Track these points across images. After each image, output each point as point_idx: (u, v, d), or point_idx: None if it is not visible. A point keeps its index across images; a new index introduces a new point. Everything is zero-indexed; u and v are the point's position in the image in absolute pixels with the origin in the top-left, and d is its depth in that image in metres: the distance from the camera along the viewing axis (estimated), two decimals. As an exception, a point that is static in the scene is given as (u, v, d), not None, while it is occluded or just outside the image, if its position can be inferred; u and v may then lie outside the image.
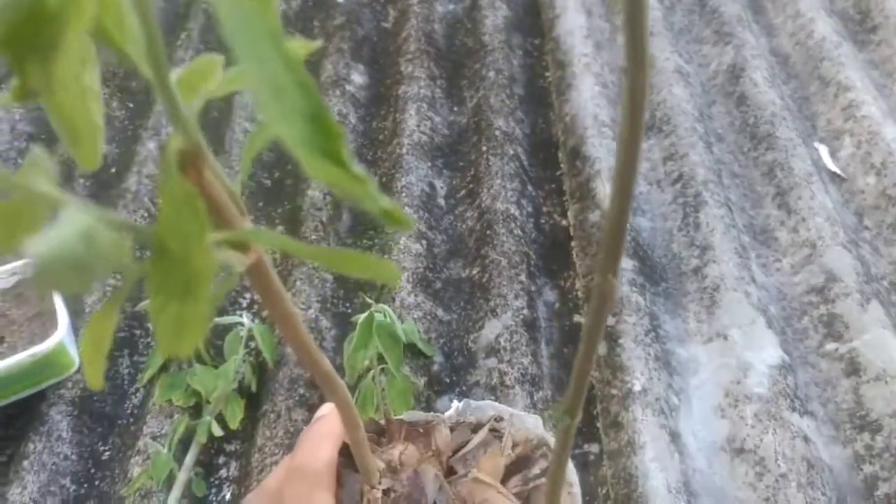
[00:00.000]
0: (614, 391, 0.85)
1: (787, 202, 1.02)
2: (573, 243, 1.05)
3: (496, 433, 0.49)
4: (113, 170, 1.20)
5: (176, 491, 0.81)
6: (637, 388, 0.83)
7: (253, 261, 0.25)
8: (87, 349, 0.23)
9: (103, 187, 1.17)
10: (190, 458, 0.84)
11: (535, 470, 0.46)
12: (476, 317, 0.97)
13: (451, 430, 0.49)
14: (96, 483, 0.86)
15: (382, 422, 0.49)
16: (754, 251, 1.01)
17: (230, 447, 0.88)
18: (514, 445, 0.47)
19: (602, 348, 0.90)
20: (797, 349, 0.90)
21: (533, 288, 0.99)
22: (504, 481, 0.46)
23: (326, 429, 0.43)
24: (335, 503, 0.40)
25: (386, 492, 0.44)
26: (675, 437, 0.81)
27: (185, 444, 0.86)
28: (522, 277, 0.99)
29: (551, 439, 0.47)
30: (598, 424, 0.86)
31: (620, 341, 0.88)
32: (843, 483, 0.78)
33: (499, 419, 0.49)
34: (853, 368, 0.85)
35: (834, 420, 0.84)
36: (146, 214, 1.10)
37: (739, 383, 0.84)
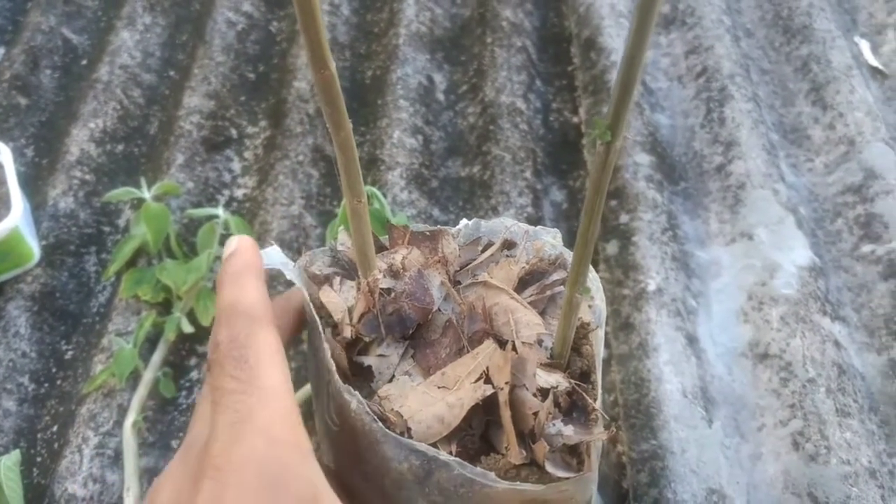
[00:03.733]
0: (626, 291, 0.77)
1: (823, 97, 0.92)
2: (584, 141, 0.95)
3: (509, 254, 0.43)
4: (84, 61, 1.10)
5: (142, 390, 0.74)
6: (651, 287, 0.75)
7: None
8: None
9: (73, 79, 1.07)
10: (157, 357, 0.77)
11: (554, 278, 0.40)
12: (475, 216, 0.88)
13: (459, 247, 0.43)
14: (58, 383, 0.79)
15: (384, 239, 0.43)
16: (784, 150, 0.91)
17: (202, 348, 0.81)
18: (529, 260, 0.41)
19: (613, 247, 0.82)
20: (829, 252, 0.82)
21: (539, 186, 0.90)
22: (518, 291, 0.39)
23: (242, 263, 0.35)
24: (279, 338, 0.33)
25: (385, 291, 0.38)
26: (692, 341, 0.73)
27: (153, 342, 0.79)
28: (528, 174, 0.90)
29: (571, 256, 0.41)
30: (608, 328, 0.78)
31: (634, 239, 0.80)
32: (877, 391, 0.71)
33: (511, 244, 0.43)
34: (892, 271, 0.76)
35: (868, 326, 0.76)
36: (118, 106, 1.01)
37: (765, 285, 0.76)
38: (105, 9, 1.17)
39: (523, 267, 0.43)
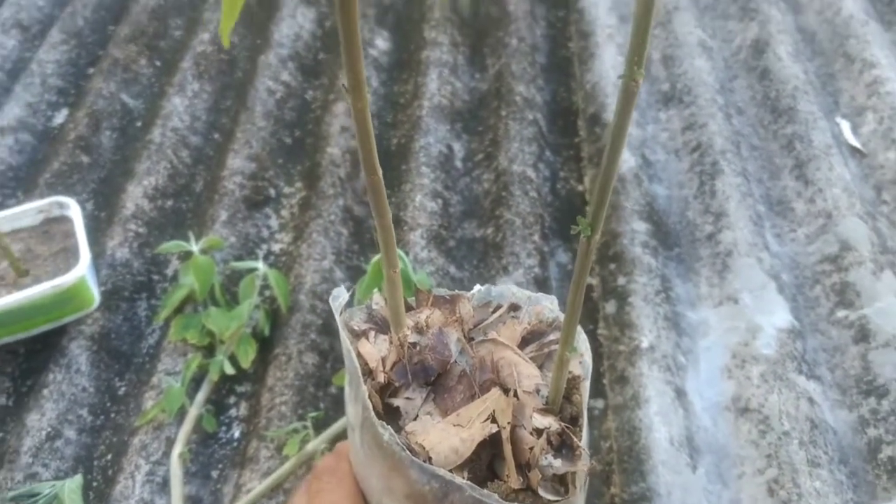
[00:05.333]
0: (622, 347, 0.86)
1: (805, 174, 1.02)
2: (588, 208, 1.05)
3: (514, 315, 0.52)
4: (139, 123, 1.23)
5: (187, 425, 0.83)
6: (645, 344, 0.84)
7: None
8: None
9: (129, 140, 1.20)
10: (202, 395, 0.86)
11: (550, 338, 0.49)
12: (488, 274, 0.98)
13: (473, 308, 0.52)
14: (112, 416, 0.88)
15: (411, 300, 0.53)
16: (769, 221, 1.01)
17: (241, 388, 0.90)
18: (531, 322, 0.50)
19: (611, 307, 0.91)
20: (808, 316, 0.90)
21: (546, 248, 1.00)
22: (521, 347, 0.48)
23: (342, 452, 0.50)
24: (351, 468, 0.47)
25: (412, 345, 0.47)
26: (680, 394, 0.82)
27: (197, 381, 0.88)
28: (536, 238, 0.99)
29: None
30: (605, 381, 0.86)
31: (630, 300, 0.89)
32: (847, 445, 0.78)
33: (516, 307, 0.52)
34: (863, 335, 0.84)
35: (841, 385, 0.83)
36: (168, 166, 1.13)
37: (747, 345, 0.85)
38: (158, 76, 1.30)
39: (525, 327, 0.52)
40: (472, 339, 0.51)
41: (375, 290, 0.59)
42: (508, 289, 0.56)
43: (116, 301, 0.96)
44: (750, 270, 0.91)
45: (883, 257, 0.90)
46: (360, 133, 0.37)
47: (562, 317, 0.54)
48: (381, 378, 0.47)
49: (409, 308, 0.53)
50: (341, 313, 0.51)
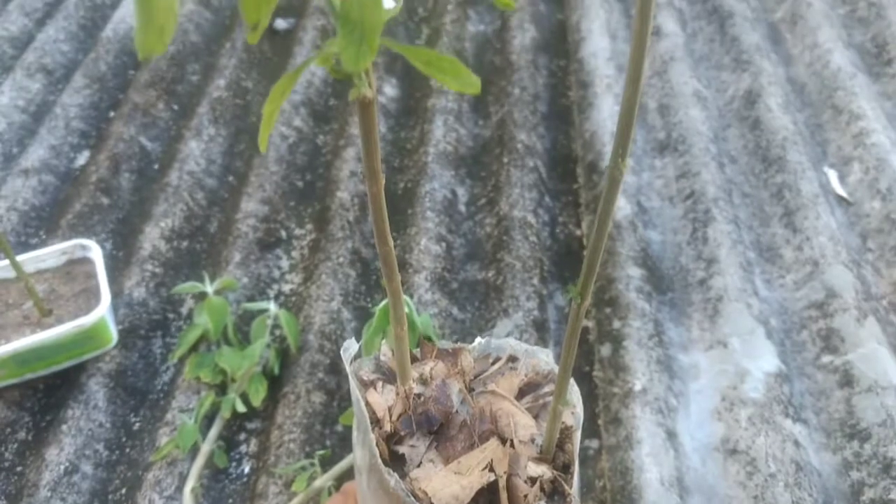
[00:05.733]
0: (616, 390, 0.89)
1: (794, 222, 1.06)
2: (586, 252, 1.10)
3: (512, 367, 0.56)
4: (156, 166, 1.28)
5: (199, 460, 0.87)
6: (637, 387, 0.88)
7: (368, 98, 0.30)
8: (267, 110, 0.28)
9: (147, 182, 1.25)
10: (214, 432, 0.90)
11: (545, 390, 0.53)
12: (489, 316, 1.02)
13: (474, 360, 0.56)
14: (127, 450, 0.92)
15: (416, 352, 0.57)
16: (759, 267, 1.05)
17: (251, 425, 0.94)
18: (528, 374, 0.54)
19: (606, 350, 0.95)
20: (795, 360, 0.94)
21: (545, 291, 1.04)
22: (518, 398, 0.52)
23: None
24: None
25: (417, 395, 0.51)
26: (671, 435, 0.85)
27: (210, 419, 0.92)
28: (535, 281, 1.04)
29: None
30: (599, 421, 0.90)
31: (624, 343, 0.93)
32: (831, 487, 0.82)
33: (514, 359, 0.56)
34: (847, 380, 0.88)
35: (826, 428, 0.87)
36: (185, 207, 1.18)
37: (736, 388, 0.88)
38: (176, 120, 1.36)
39: (523, 379, 0.56)
40: (473, 389, 0.55)
41: (384, 342, 0.64)
42: (507, 342, 0.61)
43: (133, 339, 1.00)
44: (739, 315, 0.95)
45: (867, 304, 0.93)
46: (374, 211, 0.42)
47: (556, 369, 0.59)
48: (388, 427, 0.51)
49: (414, 359, 0.58)
50: (351, 363, 0.56)
